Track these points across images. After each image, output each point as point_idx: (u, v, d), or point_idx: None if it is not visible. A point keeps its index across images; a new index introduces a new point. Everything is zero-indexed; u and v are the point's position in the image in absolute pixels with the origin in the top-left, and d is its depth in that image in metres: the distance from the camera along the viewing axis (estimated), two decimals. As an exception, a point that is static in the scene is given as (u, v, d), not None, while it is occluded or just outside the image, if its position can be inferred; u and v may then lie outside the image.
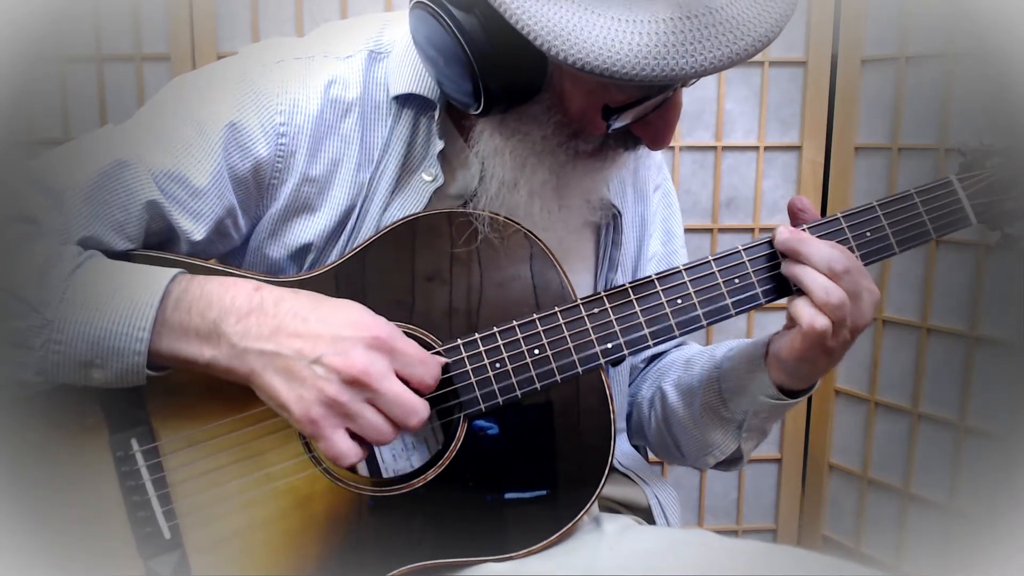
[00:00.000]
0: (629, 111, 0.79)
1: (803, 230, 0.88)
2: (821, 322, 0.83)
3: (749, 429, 0.99)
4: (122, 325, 0.76)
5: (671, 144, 1.65)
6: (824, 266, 0.83)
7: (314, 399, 0.75)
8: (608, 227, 1.02)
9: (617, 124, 0.81)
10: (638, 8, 0.70)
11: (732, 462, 1.04)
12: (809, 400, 1.76)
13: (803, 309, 0.84)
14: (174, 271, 0.80)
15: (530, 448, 0.88)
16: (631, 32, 0.69)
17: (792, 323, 0.87)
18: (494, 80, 0.78)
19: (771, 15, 0.73)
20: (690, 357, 1.07)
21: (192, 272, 0.81)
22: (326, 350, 0.75)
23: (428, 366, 0.79)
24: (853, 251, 0.88)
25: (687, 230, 1.69)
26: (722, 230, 1.72)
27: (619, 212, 1.02)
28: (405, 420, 0.77)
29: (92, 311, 0.76)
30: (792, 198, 0.91)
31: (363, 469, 0.92)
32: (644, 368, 1.15)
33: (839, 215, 0.89)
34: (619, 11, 0.70)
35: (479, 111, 0.80)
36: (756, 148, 1.70)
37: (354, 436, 0.77)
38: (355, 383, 0.75)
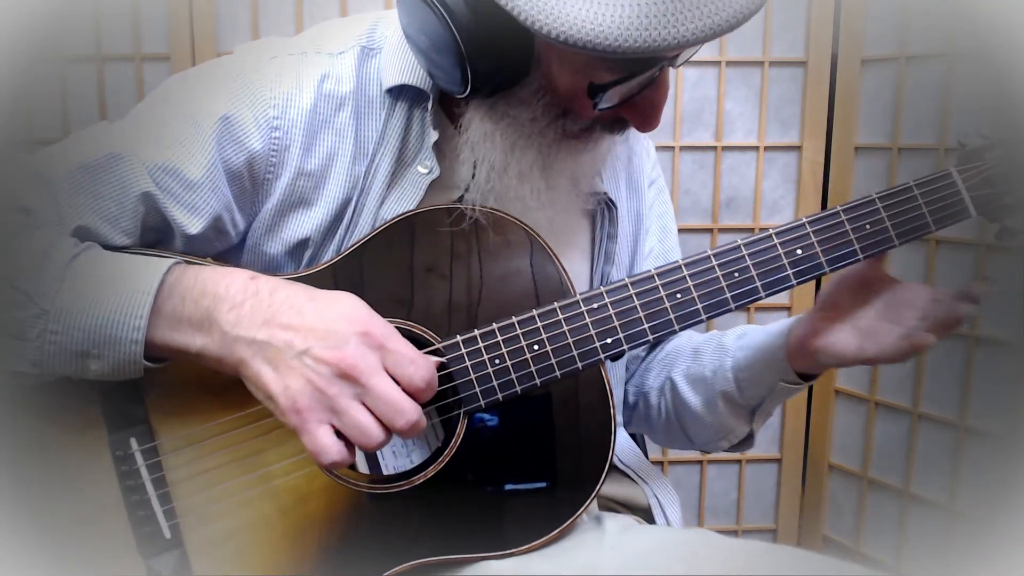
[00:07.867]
0: (615, 88, 0.79)
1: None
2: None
3: (762, 413, 1.02)
4: (119, 314, 0.76)
5: (671, 144, 1.67)
6: None
7: (301, 390, 0.73)
8: (603, 219, 1.02)
9: (604, 104, 0.81)
10: None
11: (743, 443, 1.07)
12: (809, 400, 1.76)
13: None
14: (171, 260, 0.79)
15: (530, 444, 0.88)
16: (613, 4, 0.70)
17: (830, 312, 0.92)
18: (482, 62, 0.78)
19: None
20: (697, 346, 1.08)
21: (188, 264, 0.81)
22: (317, 343, 0.74)
23: (419, 366, 0.76)
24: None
25: (686, 230, 1.70)
26: (722, 230, 1.72)
27: (613, 203, 1.02)
28: (392, 420, 0.74)
29: (89, 301, 0.76)
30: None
31: (363, 466, 0.92)
32: (646, 357, 1.15)
33: (839, 208, 0.89)
34: None
35: (467, 94, 0.81)
36: (756, 148, 1.70)
37: (339, 437, 0.75)
38: (345, 377, 0.74)
